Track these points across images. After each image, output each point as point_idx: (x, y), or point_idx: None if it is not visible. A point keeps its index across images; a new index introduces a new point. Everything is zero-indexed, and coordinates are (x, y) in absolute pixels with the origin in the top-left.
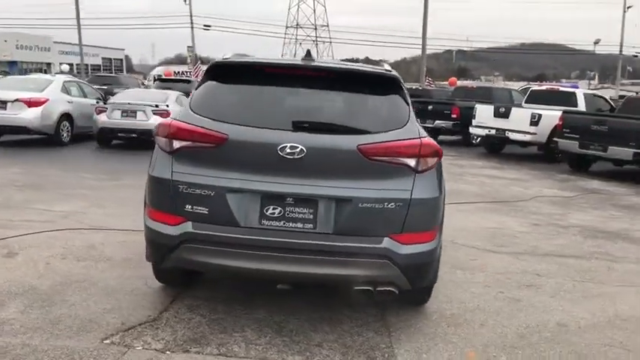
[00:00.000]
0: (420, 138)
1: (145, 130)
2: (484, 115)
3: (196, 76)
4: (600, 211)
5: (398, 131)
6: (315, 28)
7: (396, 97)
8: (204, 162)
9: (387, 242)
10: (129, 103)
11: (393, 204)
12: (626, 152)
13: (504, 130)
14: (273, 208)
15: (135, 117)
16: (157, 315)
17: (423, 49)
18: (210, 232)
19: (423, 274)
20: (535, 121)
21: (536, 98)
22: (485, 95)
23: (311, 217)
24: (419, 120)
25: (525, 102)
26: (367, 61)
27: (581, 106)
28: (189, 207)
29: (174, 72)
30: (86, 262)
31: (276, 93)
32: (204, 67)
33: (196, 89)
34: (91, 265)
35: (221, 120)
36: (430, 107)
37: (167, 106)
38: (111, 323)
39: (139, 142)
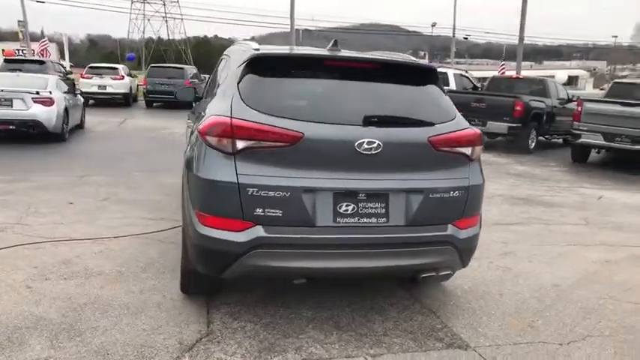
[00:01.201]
0: (470, 128)
1: (25, 120)
2: None
3: (44, 55)
4: (503, 180)
5: (454, 121)
6: (164, 4)
7: (437, 88)
8: (275, 162)
9: (450, 229)
10: (1, 90)
11: (457, 192)
12: (501, 126)
13: None
14: (347, 205)
15: (11, 106)
16: (207, 329)
17: (292, 27)
18: (285, 235)
19: (471, 255)
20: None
21: None
22: None
23: (383, 211)
24: None
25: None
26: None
27: (452, 85)
28: (260, 211)
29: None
30: (76, 280)
31: (333, 86)
32: (53, 45)
33: (240, 82)
34: (85, 283)
35: (289, 117)
36: None
37: (50, 92)
38: (169, 345)
39: (20, 134)
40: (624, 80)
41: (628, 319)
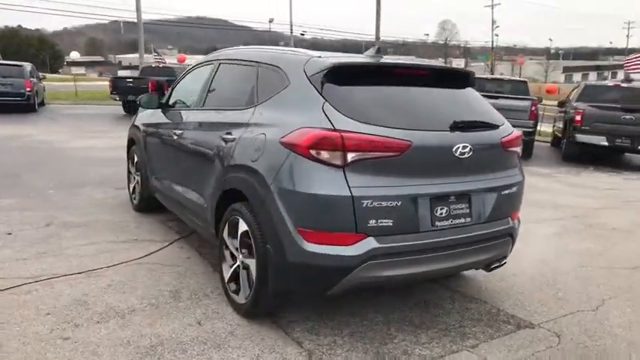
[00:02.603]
0: (515, 129)
1: None
2: None
3: None
4: None
5: (507, 124)
6: None
7: (477, 92)
8: (383, 171)
9: (510, 222)
10: None
11: (515, 188)
12: None
13: None
14: (441, 209)
15: None
16: (304, 349)
17: (139, 19)
18: (395, 244)
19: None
20: None
21: None
22: None
23: (467, 211)
24: None
25: None
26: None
27: None
28: (373, 222)
29: None
30: (114, 322)
31: (413, 94)
32: None
33: (322, 92)
34: (127, 324)
35: (392, 126)
36: None
37: None
38: None
39: None
40: None
41: (616, 281)
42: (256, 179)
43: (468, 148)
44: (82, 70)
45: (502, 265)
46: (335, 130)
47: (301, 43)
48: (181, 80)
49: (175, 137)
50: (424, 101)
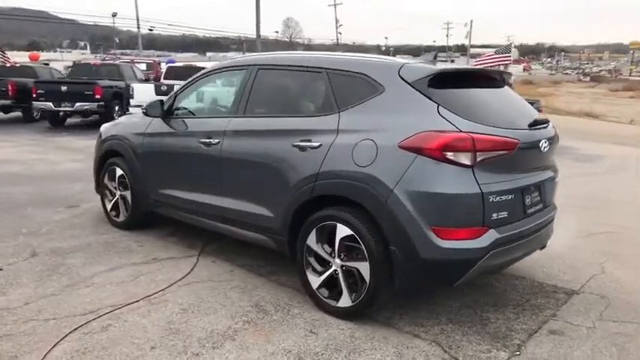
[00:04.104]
0: None
1: None
2: (146, 93)
3: None
4: None
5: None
6: None
7: None
8: (499, 168)
9: (555, 206)
10: None
11: (558, 177)
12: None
13: None
14: (528, 198)
15: None
16: (430, 340)
17: None
18: (509, 233)
19: None
20: None
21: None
22: (113, 72)
23: (540, 198)
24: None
25: (164, 78)
26: None
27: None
28: (495, 215)
29: None
30: (230, 345)
31: (490, 96)
32: None
33: (430, 97)
34: (246, 343)
35: (500, 126)
36: (64, 88)
37: None
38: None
39: None
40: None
41: (599, 246)
42: (370, 183)
43: (547, 143)
44: None
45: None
46: (461, 132)
47: (137, 38)
48: (190, 87)
49: (206, 147)
50: (501, 102)
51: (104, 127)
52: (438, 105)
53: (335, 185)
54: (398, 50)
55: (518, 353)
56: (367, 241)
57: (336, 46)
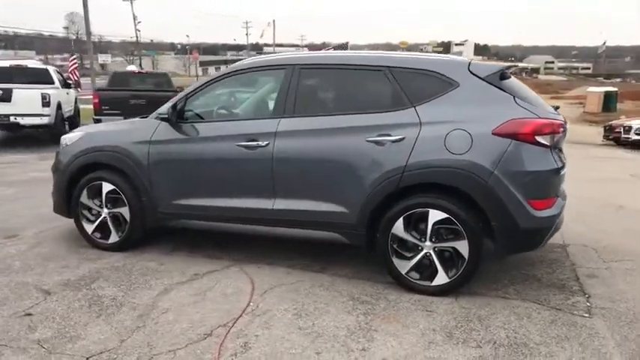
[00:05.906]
0: None
1: None
2: None
3: None
4: None
5: None
6: None
7: None
8: (552, 147)
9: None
10: None
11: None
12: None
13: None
14: (563, 172)
15: None
16: (543, 304)
17: None
18: (563, 202)
19: None
20: (47, 102)
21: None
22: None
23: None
24: None
25: None
26: None
27: (56, 82)
28: (559, 186)
29: None
30: (382, 339)
31: (520, 86)
32: None
33: (502, 90)
34: (396, 339)
35: (551, 111)
36: None
37: None
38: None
39: None
40: None
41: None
42: (470, 168)
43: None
44: None
45: None
46: (540, 118)
47: None
48: (203, 90)
49: (250, 149)
50: (529, 91)
51: (68, 138)
52: (513, 97)
53: (429, 174)
54: (196, 47)
55: (587, 295)
56: (465, 221)
57: (137, 44)
